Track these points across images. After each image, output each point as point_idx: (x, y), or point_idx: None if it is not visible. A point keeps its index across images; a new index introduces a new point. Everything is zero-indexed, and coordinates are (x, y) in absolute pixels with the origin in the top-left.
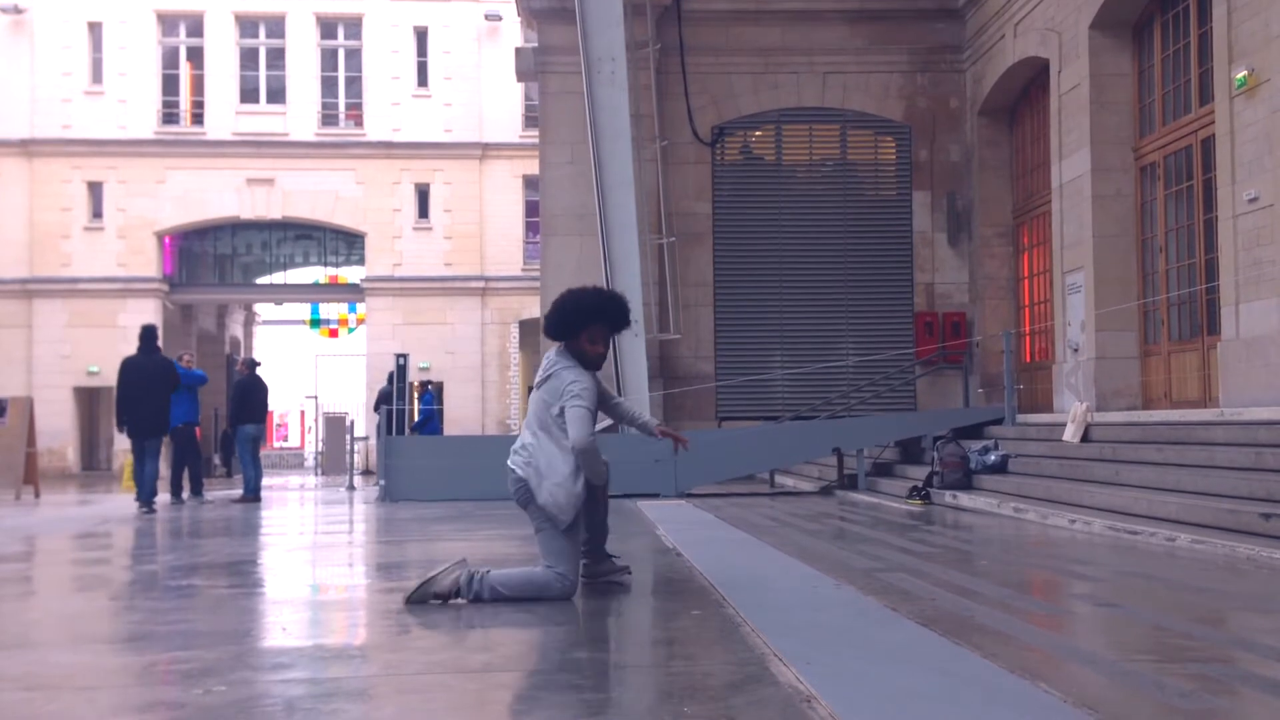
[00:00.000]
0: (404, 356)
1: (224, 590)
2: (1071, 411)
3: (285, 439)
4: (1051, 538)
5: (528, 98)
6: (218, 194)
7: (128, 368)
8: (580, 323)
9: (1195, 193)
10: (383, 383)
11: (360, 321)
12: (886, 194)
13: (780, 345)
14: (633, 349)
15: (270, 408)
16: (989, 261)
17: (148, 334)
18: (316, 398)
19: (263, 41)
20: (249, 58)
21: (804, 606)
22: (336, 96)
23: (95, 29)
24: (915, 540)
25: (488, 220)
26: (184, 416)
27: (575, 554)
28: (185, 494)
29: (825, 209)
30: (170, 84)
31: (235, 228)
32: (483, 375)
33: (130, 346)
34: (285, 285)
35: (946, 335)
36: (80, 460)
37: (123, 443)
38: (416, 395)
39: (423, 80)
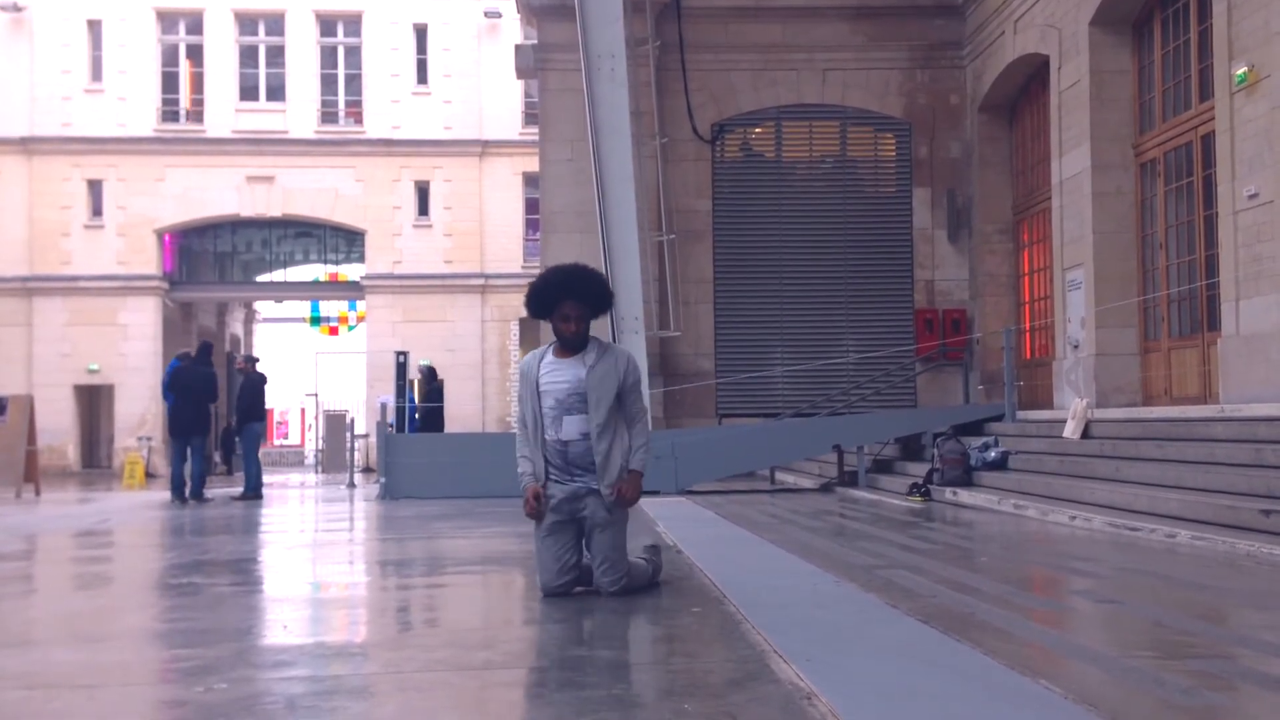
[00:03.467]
0: (404, 354)
1: (225, 588)
2: (1072, 408)
3: (285, 437)
4: (1052, 534)
5: (527, 95)
6: (218, 192)
7: (175, 374)
8: (551, 300)
9: (1195, 189)
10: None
11: (360, 319)
12: (886, 191)
13: (780, 342)
14: (633, 347)
15: (268, 405)
16: (989, 258)
17: (204, 347)
18: (317, 395)
19: (262, 39)
20: (248, 55)
21: (804, 603)
22: (336, 94)
23: (95, 27)
24: (915, 537)
25: (488, 217)
26: None
27: (541, 556)
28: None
29: (825, 206)
30: (170, 82)
31: (235, 225)
32: (483, 372)
33: (130, 345)
34: (285, 283)
35: (947, 332)
36: (80, 458)
37: (123, 440)
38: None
39: (422, 77)
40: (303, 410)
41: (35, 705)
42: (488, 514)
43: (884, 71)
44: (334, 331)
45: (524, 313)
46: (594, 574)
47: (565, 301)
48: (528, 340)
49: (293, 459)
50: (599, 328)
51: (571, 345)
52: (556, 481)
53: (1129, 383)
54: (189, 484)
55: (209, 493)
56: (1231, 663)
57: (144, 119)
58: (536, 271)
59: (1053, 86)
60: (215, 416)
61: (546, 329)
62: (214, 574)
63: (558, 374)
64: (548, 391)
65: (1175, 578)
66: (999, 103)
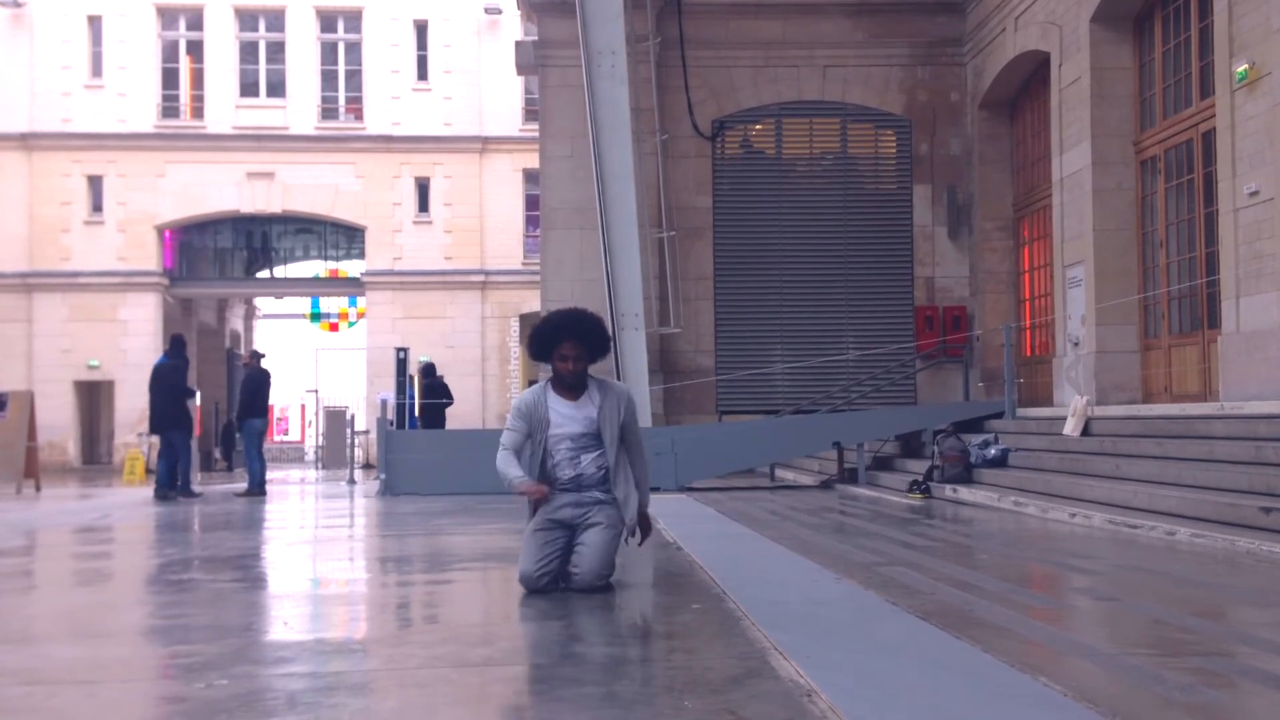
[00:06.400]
0: (404, 350)
1: (225, 584)
2: (1072, 405)
3: (286, 433)
4: (1051, 531)
5: (528, 91)
6: (218, 188)
7: (153, 370)
8: (551, 341)
9: (1196, 186)
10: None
11: (360, 315)
12: (887, 188)
13: (780, 339)
14: (633, 343)
15: (270, 400)
16: (989, 255)
17: (174, 341)
18: (317, 391)
19: (262, 35)
20: (249, 51)
21: (804, 600)
22: (336, 90)
23: (95, 22)
24: (915, 534)
25: (488, 214)
26: None
27: (527, 547)
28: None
29: (825, 203)
30: (170, 78)
31: (235, 221)
32: (483, 369)
33: (130, 340)
34: (285, 279)
35: (947, 329)
36: (81, 454)
37: (123, 436)
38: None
39: (422, 74)
40: (303, 406)
41: (36, 701)
42: (488, 510)
43: (884, 68)
44: (334, 328)
45: (524, 309)
46: (577, 563)
47: (564, 342)
48: (527, 337)
49: (293, 455)
50: None
51: (571, 385)
52: (567, 491)
53: (1129, 380)
54: (179, 479)
55: (197, 488)
56: (1231, 660)
57: (144, 115)
58: (536, 268)
59: (1053, 83)
60: (215, 411)
61: None
62: (214, 570)
63: (568, 416)
64: (561, 434)
65: (1175, 575)
66: (999, 100)
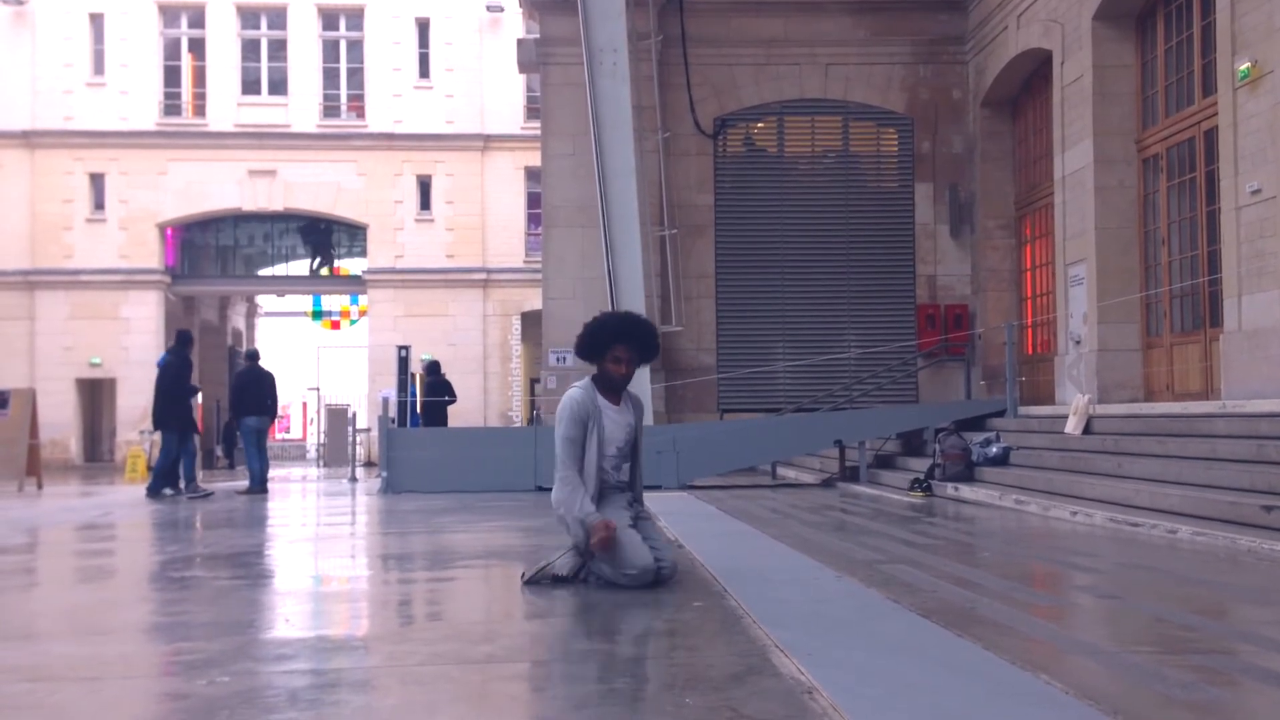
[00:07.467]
0: (406, 348)
1: (226, 581)
2: (1073, 404)
3: (287, 430)
4: (1053, 530)
5: (529, 89)
6: (219, 185)
7: (160, 368)
8: (605, 343)
9: (1198, 185)
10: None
11: (362, 313)
12: (888, 186)
13: (782, 337)
14: None
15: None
16: (991, 253)
17: (177, 337)
18: (319, 389)
19: (264, 33)
20: (251, 49)
21: (805, 598)
22: (338, 88)
23: (97, 20)
24: (917, 532)
25: (489, 212)
26: None
27: (631, 545)
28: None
29: (827, 201)
30: (172, 75)
31: (237, 219)
32: (484, 367)
33: (132, 338)
34: (287, 277)
35: (948, 327)
36: (83, 452)
37: (125, 434)
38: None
39: (424, 72)
40: (304, 404)
41: (38, 698)
42: (489, 508)
43: (886, 66)
44: (335, 326)
45: (525, 307)
46: (659, 557)
47: (618, 345)
48: (530, 335)
49: (295, 453)
50: None
51: (617, 389)
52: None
53: (1131, 378)
54: (182, 478)
55: (172, 488)
56: (1232, 658)
57: (146, 112)
58: (538, 266)
59: (1055, 81)
60: (217, 409)
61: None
62: (215, 567)
63: (616, 423)
64: (611, 439)
65: (1176, 573)
66: (1001, 98)
